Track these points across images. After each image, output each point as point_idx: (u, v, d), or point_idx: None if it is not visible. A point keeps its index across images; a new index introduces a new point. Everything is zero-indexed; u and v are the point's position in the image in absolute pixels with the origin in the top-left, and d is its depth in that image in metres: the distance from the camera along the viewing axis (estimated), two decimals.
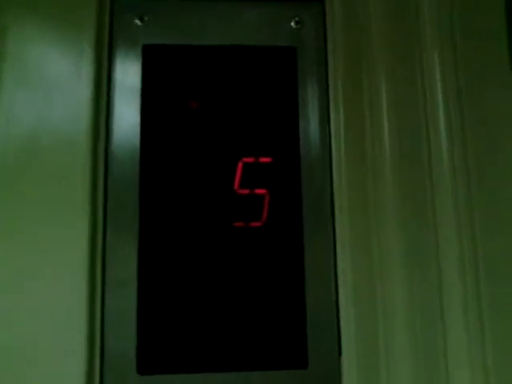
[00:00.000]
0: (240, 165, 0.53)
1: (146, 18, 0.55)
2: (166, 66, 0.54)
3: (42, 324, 0.46)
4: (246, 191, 0.52)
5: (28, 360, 0.46)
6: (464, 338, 0.46)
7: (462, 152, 0.49)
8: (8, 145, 0.49)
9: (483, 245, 0.47)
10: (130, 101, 0.53)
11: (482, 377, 0.45)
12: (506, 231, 0.48)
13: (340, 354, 0.50)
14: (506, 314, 0.46)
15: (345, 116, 0.53)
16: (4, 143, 0.49)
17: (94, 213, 0.49)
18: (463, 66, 0.51)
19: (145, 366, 0.49)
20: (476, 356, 0.45)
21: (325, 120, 0.54)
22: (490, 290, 0.46)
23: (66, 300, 0.47)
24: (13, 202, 0.48)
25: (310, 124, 0.54)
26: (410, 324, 0.48)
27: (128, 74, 0.54)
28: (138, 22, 0.55)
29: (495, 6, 0.52)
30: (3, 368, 0.46)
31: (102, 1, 0.54)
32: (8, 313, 0.46)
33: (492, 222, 0.48)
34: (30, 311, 0.47)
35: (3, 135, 0.50)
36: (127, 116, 0.53)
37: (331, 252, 0.51)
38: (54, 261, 0.48)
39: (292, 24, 0.56)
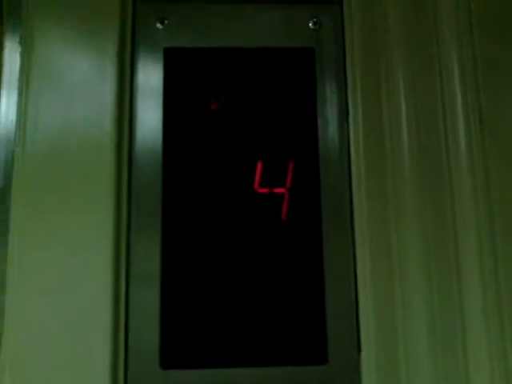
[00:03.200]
0: (259, 164, 0.53)
1: (166, 22, 0.57)
2: (186, 68, 0.56)
3: (67, 319, 0.48)
4: (265, 190, 0.53)
5: (53, 354, 0.47)
6: (483, 336, 0.45)
7: (480, 146, 0.49)
8: (36, 147, 0.51)
9: (502, 235, 0.47)
10: (153, 103, 0.55)
11: (502, 373, 0.45)
12: None
13: (359, 350, 0.50)
14: None
15: (363, 116, 0.53)
16: (32, 146, 0.51)
17: (118, 211, 0.51)
18: (481, 62, 0.50)
19: (168, 360, 0.50)
20: (496, 355, 0.45)
21: (343, 120, 0.55)
22: (508, 279, 0.46)
23: (90, 295, 0.48)
24: (40, 202, 0.50)
25: (329, 124, 0.55)
26: (430, 320, 0.48)
27: (150, 77, 0.55)
28: (159, 25, 0.56)
29: None
30: (30, 357, 0.47)
31: (124, 5, 0.55)
32: (34, 306, 0.48)
33: (511, 217, 0.47)
34: (56, 306, 0.48)
35: (31, 138, 0.51)
36: (150, 118, 0.54)
37: (350, 249, 0.52)
38: (79, 256, 0.49)
39: (310, 25, 0.57)
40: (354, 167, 0.53)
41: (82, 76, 0.53)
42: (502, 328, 0.45)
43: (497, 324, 0.45)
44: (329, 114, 0.55)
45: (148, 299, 0.50)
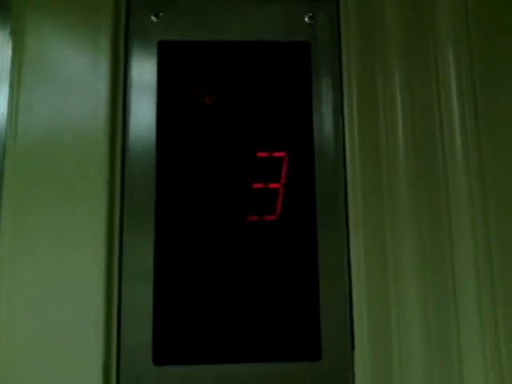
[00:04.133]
0: (254, 159, 0.53)
1: (161, 15, 0.56)
2: (181, 61, 0.55)
3: (59, 314, 0.48)
4: (260, 185, 0.53)
5: (46, 350, 0.47)
6: (478, 334, 0.46)
7: (476, 143, 0.49)
8: (28, 141, 0.51)
9: (497, 234, 0.47)
10: (146, 96, 0.54)
11: (497, 372, 0.45)
12: None
13: (353, 347, 0.50)
14: None
15: (358, 111, 0.53)
16: (24, 139, 0.51)
17: (111, 206, 0.50)
18: (478, 61, 0.50)
19: (160, 356, 0.49)
20: (490, 352, 0.45)
21: (338, 114, 0.54)
22: (503, 275, 0.46)
23: (83, 290, 0.48)
24: (31, 196, 0.50)
25: (324, 118, 0.55)
26: (423, 318, 0.48)
27: (144, 70, 0.55)
28: (153, 18, 0.56)
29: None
30: (22, 353, 0.47)
31: None
32: (25, 302, 0.48)
33: (506, 216, 0.47)
34: (47, 301, 0.48)
35: (23, 132, 0.51)
36: (143, 111, 0.54)
37: (345, 246, 0.52)
38: (71, 251, 0.49)
39: (306, 19, 0.57)
40: (349, 163, 0.53)
41: (75, 70, 0.52)
42: (496, 327, 0.45)
43: (491, 323, 0.46)
44: (324, 109, 0.55)
45: (141, 295, 0.50)
